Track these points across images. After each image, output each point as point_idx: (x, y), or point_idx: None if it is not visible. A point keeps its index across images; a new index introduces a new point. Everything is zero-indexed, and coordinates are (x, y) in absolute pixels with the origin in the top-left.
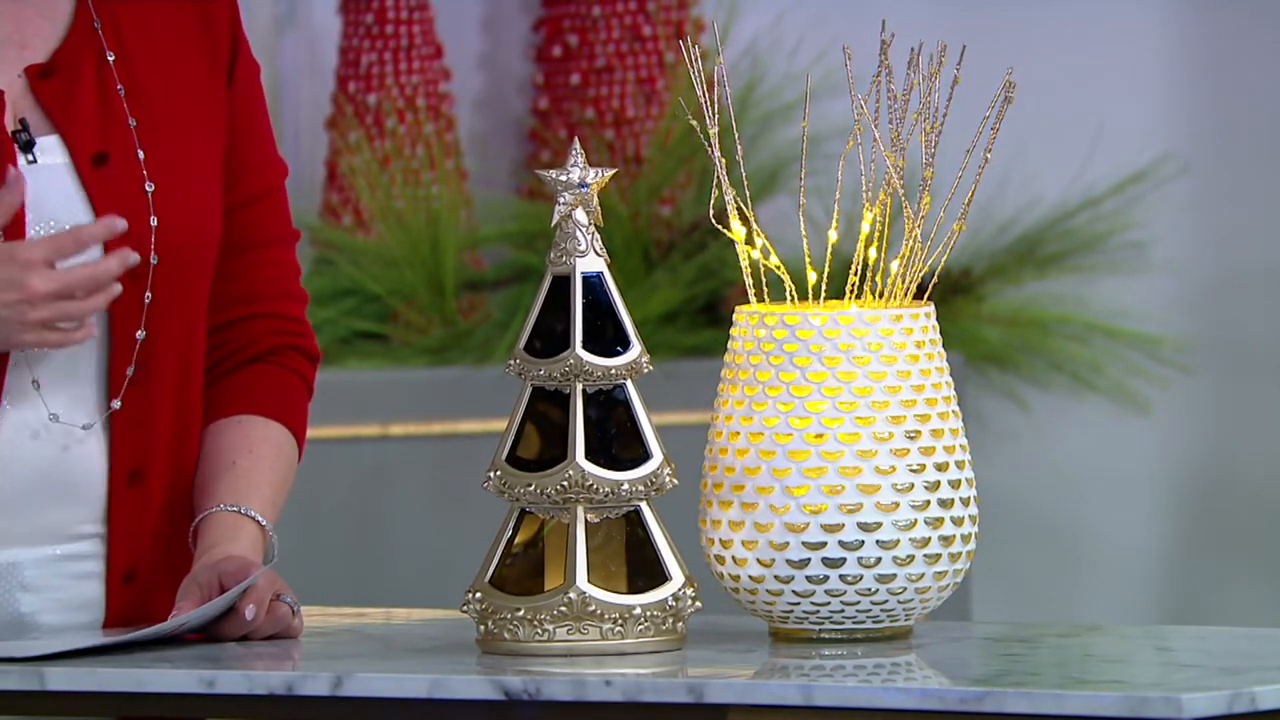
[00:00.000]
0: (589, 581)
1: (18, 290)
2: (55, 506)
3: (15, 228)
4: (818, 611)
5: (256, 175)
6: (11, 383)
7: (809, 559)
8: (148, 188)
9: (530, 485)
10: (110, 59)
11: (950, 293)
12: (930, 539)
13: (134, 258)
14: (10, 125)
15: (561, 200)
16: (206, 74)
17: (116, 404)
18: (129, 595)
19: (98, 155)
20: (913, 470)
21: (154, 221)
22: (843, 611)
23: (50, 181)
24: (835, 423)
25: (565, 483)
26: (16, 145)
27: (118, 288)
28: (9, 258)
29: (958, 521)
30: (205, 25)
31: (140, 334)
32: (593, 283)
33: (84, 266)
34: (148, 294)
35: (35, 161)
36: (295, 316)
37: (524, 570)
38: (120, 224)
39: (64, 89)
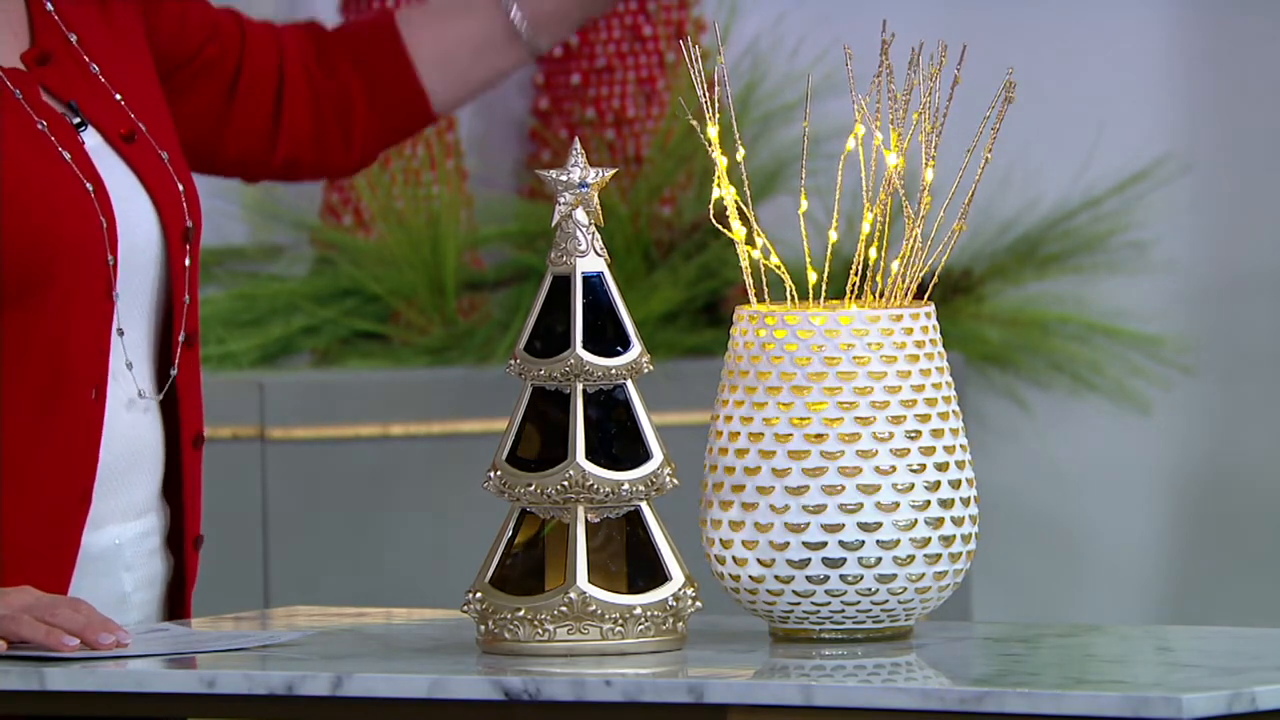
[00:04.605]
0: (589, 581)
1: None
2: (135, 482)
3: (105, 206)
4: (818, 611)
5: (205, 18)
6: (112, 365)
7: (809, 559)
8: (164, 156)
9: (530, 485)
10: (74, 39)
11: (950, 293)
12: (930, 539)
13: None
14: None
15: (562, 200)
16: (128, 42)
17: (174, 370)
18: (197, 561)
19: (127, 134)
20: (913, 470)
21: (180, 187)
22: (843, 611)
23: (102, 159)
24: (835, 423)
25: (565, 483)
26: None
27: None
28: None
29: (958, 521)
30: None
31: (188, 299)
32: (593, 283)
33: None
34: (186, 259)
35: (84, 143)
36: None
37: (524, 570)
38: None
39: (62, 73)
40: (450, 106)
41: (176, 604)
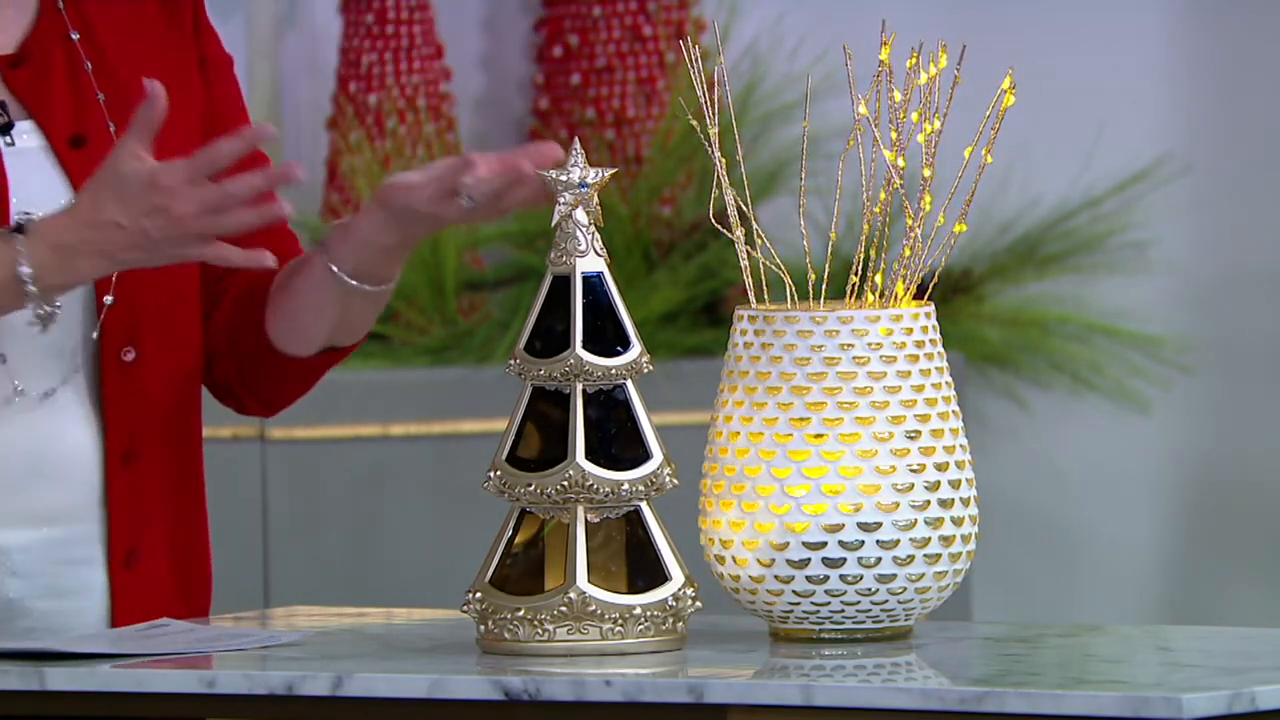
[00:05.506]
0: (589, 581)
1: (164, 215)
2: (45, 489)
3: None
4: (818, 611)
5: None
6: None
7: (809, 559)
8: None
9: (530, 485)
10: (75, 37)
11: (950, 293)
12: (930, 539)
13: (295, 174)
14: None
15: (562, 200)
16: (173, 57)
17: (77, 373)
18: (131, 579)
19: (74, 138)
20: (913, 470)
21: None
22: (843, 611)
23: (29, 164)
24: (835, 423)
25: (565, 483)
26: None
27: (280, 208)
28: (150, 184)
29: (958, 521)
30: (168, 13)
31: (108, 299)
32: (593, 283)
33: (228, 183)
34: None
35: (13, 144)
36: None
37: (524, 570)
38: (268, 130)
39: (35, 76)
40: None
41: (103, 621)
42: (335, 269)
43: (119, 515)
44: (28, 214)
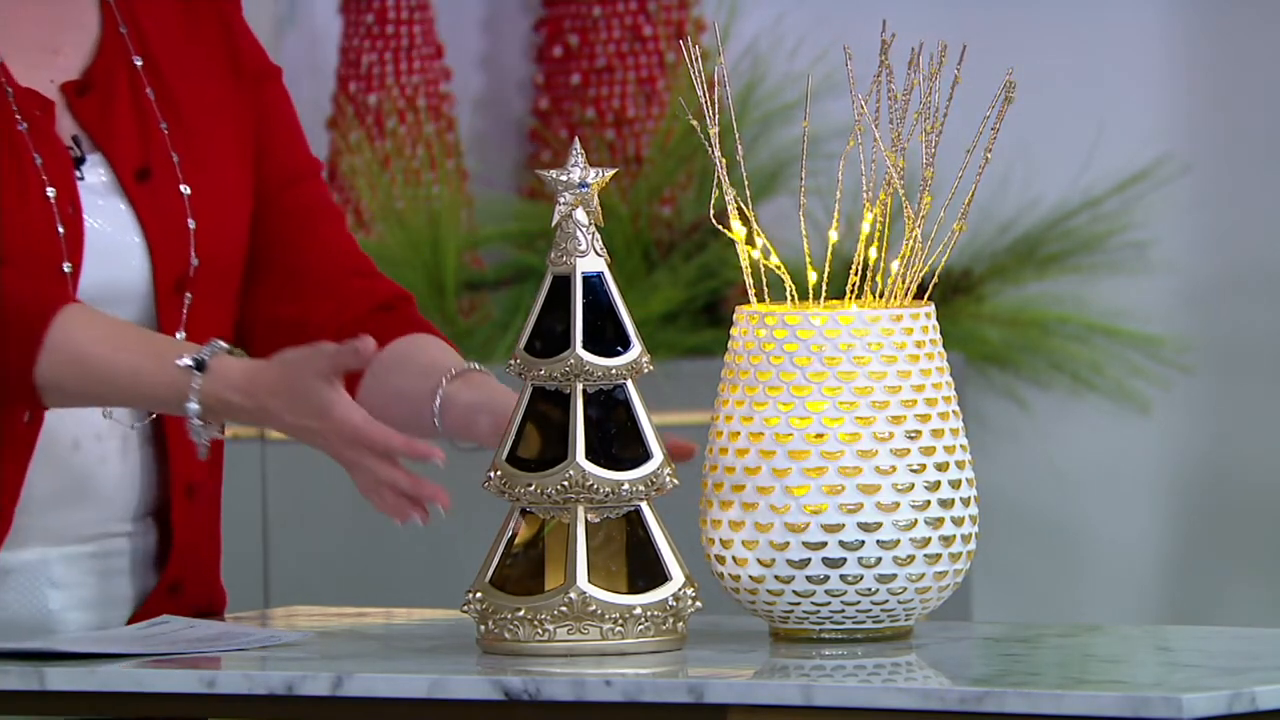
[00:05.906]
0: (589, 581)
1: (321, 437)
2: (89, 508)
3: (75, 240)
4: (818, 611)
5: (291, 163)
6: None
7: (809, 559)
8: (184, 190)
9: (530, 485)
10: (138, 64)
11: (950, 293)
12: (930, 539)
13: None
14: (64, 140)
15: (562, 200)
16: (228, 76)
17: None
18: (169, 604)
19: (140, 171)
20: (913, 470)
21: (192, 224)
22: (843, 611)
23: (99, 199)
24: (835, 423)
25: (565, 483)
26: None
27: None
28: (324, 414)
29: (958, 521)
30: (223, 30)
31: (180, 334)
32: (593, 283)
33: (386, 473)
34: (188, 295)
35: (83, 179)
36: (371, 285)
37: (524, 570)
38: (436, 455)
39: (100, 105)
40: None
41: None
42: (437, 423)
43: (181, 546)
44: (219, 346)
